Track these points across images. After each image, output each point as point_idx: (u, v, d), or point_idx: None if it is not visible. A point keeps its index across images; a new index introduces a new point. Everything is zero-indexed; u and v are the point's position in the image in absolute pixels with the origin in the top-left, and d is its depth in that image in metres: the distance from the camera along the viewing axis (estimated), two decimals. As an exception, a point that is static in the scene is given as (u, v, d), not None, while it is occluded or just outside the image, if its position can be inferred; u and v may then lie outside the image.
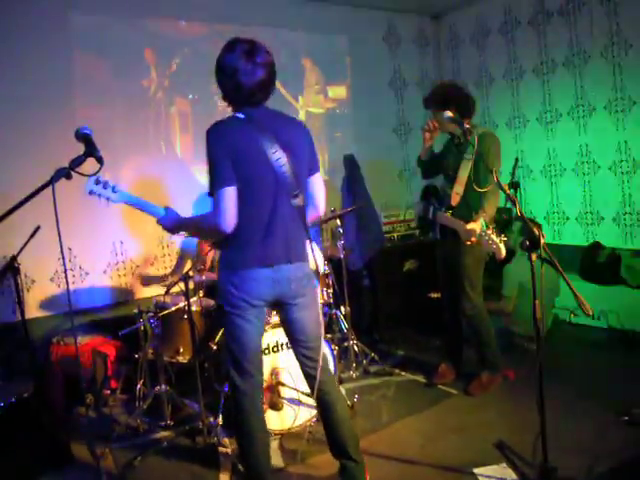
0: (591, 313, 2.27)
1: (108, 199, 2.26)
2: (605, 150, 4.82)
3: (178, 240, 4.44)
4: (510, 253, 4.37)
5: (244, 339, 2.30)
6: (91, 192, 2.23)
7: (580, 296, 2.28)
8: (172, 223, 2.32)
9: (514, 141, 5.52)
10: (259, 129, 2.18)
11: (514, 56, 5.44)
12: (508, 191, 2.50)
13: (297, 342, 2.45)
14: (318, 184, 2.41)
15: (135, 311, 3.47)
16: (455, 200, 3.40)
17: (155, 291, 4.22)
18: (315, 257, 2.40)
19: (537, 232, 2.36)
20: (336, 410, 2.49)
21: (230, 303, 2.27)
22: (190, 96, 4.69)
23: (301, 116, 5.14)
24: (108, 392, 3.75)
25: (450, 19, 6.06)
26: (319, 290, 2.48)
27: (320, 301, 2.50)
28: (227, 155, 2.13)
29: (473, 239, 3.07)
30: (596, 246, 4.77)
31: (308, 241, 2.36)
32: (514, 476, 2.61)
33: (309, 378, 2.49)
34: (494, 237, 2.90)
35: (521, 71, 5.40)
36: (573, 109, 5.01)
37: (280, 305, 2.38)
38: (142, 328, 3.40)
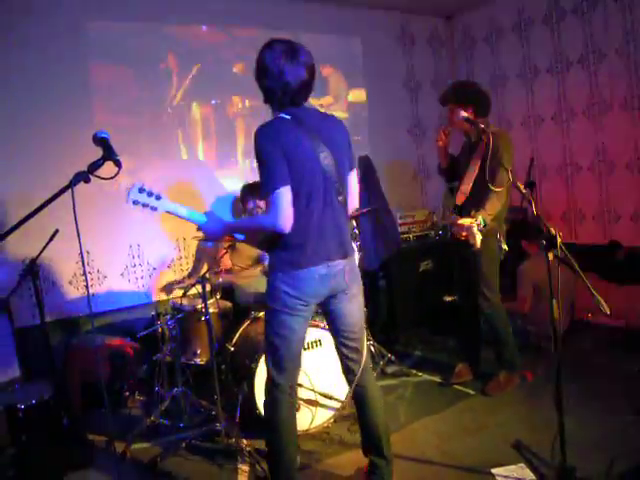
0: (609, 312, 2.26)
1: (152, 208, 2.26)
2: (622, 148, 4.79)
3: (194, 242, 4.47)
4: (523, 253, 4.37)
5: (292, 337, 2.33)
6: (135, 202, 2.23)
7: (597, 295, 2.27)
8: (216, 229, 2.33)
9: (529, 140, 5.49)
10: (305, 128, 2.21)
11: (528, 55, 5.42)
12: (524, 190, 2.50)
13: (341, 333, 2.47)
14: (354, 180, 2.46)
15: (153, 313, 3.51)
16: (460, 199, 3.40)
17: (173, 293, 4.27)
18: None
19: (554, 231, 2.35)
20: (374, 406, 2.51)
21: (282, 302, 2.28)
22: (213, 101, 4.73)
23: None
24: (127, 393, 3.79)
25: (463, 19, 6.04)
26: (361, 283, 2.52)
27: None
28: (279, 155, 2.14)
29: (464, 234, 3.08)
30: (614, 245, 4.73)
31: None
32: (532, 476, 2.60)
33: (349, 373, 2.51)
34: (476, 231, 2.98)
35: (535, 70, 5.38)
36: (589, 107, 4.98)
37: (330, 298, 2.39)
38: (160, 330, 3.44)
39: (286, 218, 2.15)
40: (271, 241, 2.29)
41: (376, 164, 4.55)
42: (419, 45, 5.92)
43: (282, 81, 2.18)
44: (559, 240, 2.33)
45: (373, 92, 5.58)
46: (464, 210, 3.38)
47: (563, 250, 2.33)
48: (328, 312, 2.46)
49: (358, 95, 5.56)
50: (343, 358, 2.51)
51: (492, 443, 2.94)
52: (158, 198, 2.28)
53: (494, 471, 2.67)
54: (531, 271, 4.08)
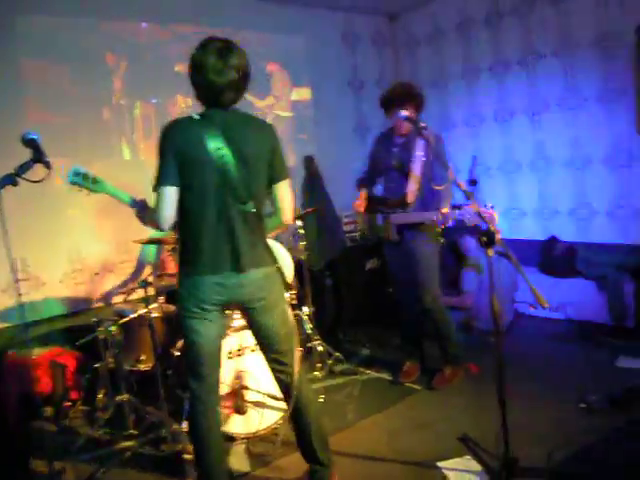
0: (547, 306, 2.32)
1: (91, 190, 2.30)
2: (559, 146, 4.95)
3: (137, 245, 4.36)
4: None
5: (199, 341, 2.28)
6: (73, 183, 2.28)
7: (535, 289, 2.34)
8: (138, 206, 2.33)
9: (472, 139, 5.62)
10: (211, 131, 2.15)
11: (469, 56, 5.54)
12: (464, 188, 2.55)
13: (263, 346, 2.44)
14: (283, 192, 2.35)
15: (94, 320, 3.40)
16: (411, 198, 3.43)
17: (115, 298, 4.15)
18: (282, 264, 2.40)
19: (493, 228, 2.40)
20: (307, 413, 2.48)
21: (183, 306, 2.26)
22: (154, 100, 4.64)
23: (268, 120, 5.13)
24: (68, 404, 3.64)
25: (406, 19, 6.13)
26: (284, 293, 2.44)
27: (287, 304, 2.47)
28: (172, 154, 2.12)
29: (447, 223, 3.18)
30: (553, 240, 4.89)
31: (272, 247, 2.35)
32: (478, 468, 2.65)
33: (280, 383, 2.48)
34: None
35: (477, 70, 5.50)
36: (527, 107, 5.13)
37: (243, 308, 2.36)
38: (101, 337, 3.33)
39: (164, 217, 2.15)
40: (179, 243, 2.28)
41: (321, 163, 4.57)
42: (363, 44, 5.96)
43: (208, 79, 2.13)
44: (498, 237, 2.38)
45: (318, 91, 5.59)
46: (414, 208, 3.43)
47: (502, 246, 2.39)
48: (249, 324, 2.44)
49: (303, 94, 5.55)
50: (272, 370, 2.48)
51: (439, 437, 2.98)
52: (94, 181, 2.29)
53: (441, 464, 2.71)
54: (474, 266, 4.17)
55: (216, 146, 2.14)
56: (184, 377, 3.19)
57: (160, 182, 2.14)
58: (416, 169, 3.41)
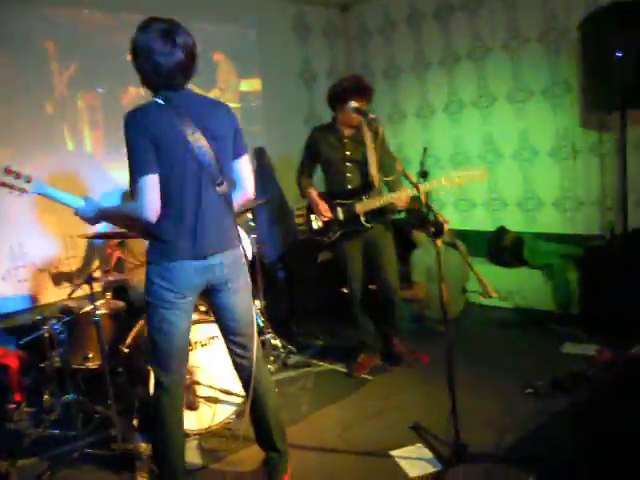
0: (494, 295, 2.36)
1: (21, 190, 2.14)
2: (507, 139, 5.06)
3: (83, 240, 4.23)
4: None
5: (172, 332, 2.23)
6: (1, 184, 2.12)
7: (483, 279, 2.38)
8: (93, 213, 2.23)
9: (423, 131, 5.68)
10: (179, 114, 2.10)
11: (420, 48, 5.59)
12: (413, 179, 2.57)
13: (228, 330, 2.41)
14: (245, 167, 2.37)
15: (38, 317, 3.29)
16: (377, 182, 3.46)
17: (60, 295, 4.01)
18: (243, 244, 2.38)
19: (441, 218, 2.43)
20: (265, 401, 2.46)
21: (157, 296, 2.20)
22: (99, 90, 4.47)
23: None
24: (12, 406, 3.51)
25: (359, 11, 6.12)
26: (249, 277, 2.44)
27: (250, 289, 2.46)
28: (146, 142, 2.05)
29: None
30: (501, 230, 5.00)
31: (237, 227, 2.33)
32: (430, 455, 2.69)
33: (240, 369, 2.45)
34: None
35: (427, 63, 5.55)
36: (477, 99, 5.22)
37: (211, 291, 2.32)
38: (46, 335, 3.22)
39: (151, 207, 2.07)
40: (148, 231, 2.20)
41: (273, 155, 4.53)
42: (314, 36, 5.93)
43: (153, 61, 2.07)
44: (446, 227, 2.41)
45: (268, 82, 5.52)
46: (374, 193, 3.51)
47: (450, 237, 2.42)
48: (212, 306, 2.41)
49: (253, 85, 5.49)
50: (231, 354, 2.46)
51: (392, 426, 3.02)
52: (28, 180, 2.15)
53: (393, 453, 2.74)
54: (423, 258, 4.22)
55: (189, 130, 2.10)
56: (133, 374, 3.17)
57: (140, 172, 2.05)
58: (372, 158, 3.45)
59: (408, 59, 5.72)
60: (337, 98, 3.50)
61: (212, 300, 2.38)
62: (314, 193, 3.63)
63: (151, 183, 2.06)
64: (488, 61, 5.08)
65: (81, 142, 4.43)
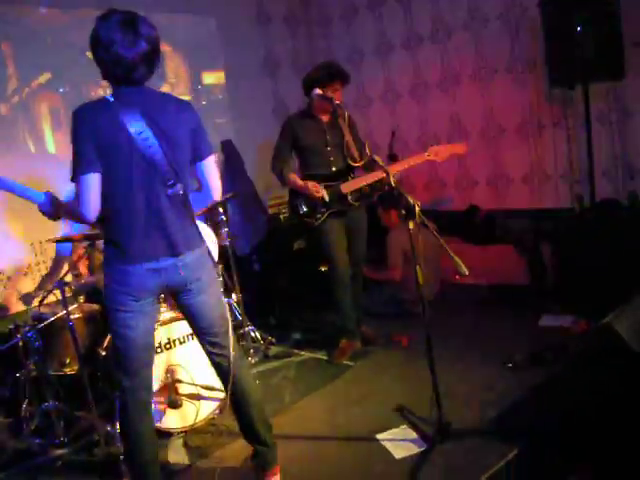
0: (467, 273, 2.39)
1: None
2: (474, 118, 5.10)
3: (52, 245, 4.14)
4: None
5: (131, 335, 2.19)
6: None
7: (456, 257, 2.40)
8: (53, 208, 2.16)
9: (389, 114, 5.68)
10: (128, 112, 2.02)
11: (383, 32, 5.58)
12: (382, 163, 2.57)
13: (200, 330, 2.37)
14: (210, 168, 2.29)
15: (10, 327, 3.22)
16: (360, 162, 3.53)
17: (31, 302, 3.93)
18: (209, 243, 2.34)
19: (412, 200, 2.44)
20: (247, 396, 2.44)
21: (114, 300, 2.16)
22: (61, 90, 4.36)
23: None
24: (-10, 418, 3.45)
25: (319, -3, 6.08)
26: (215, 273, 2.41)
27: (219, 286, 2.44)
28: (90, 139, 1.98)
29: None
30: (473, 209, 5.05)
31: (199, 227, 2.27)
32: (414, 436, 2.71)
33: (217, 367, 2.43)
34: None
35: (390, 45, 5.55)
36: (442, 80, 5.24)
37: (174, 293, 2.29)
38: (20, 344, 3.15)
39: (90, 207, 2.02)
40: (103, 234, 2.17)
41: (242, 147, 4.48)
42: (276, 24, 5.87)
43: (114, 53, 1.98)
44: (417, 209, 2.42)
45: (232, 74, 5.46)
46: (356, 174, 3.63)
47: (422, 217, 2.43)
48: (181, 309, 2.38)
49: (216, 77, 5.41)
50: (208, 354, 2.42)
51: (376, 410, 3.03)
52: None
53: (379, 436, 2.76)
54: (398, 240, 4.23)
55: (137, 128, 2.02)
56: (113, 375, 3.12)
57: (80, 170, 1.99)
58: (350, 141, 3.55)
59: (370, 43, 5.71)
60: (311, 86, 3.47)
61: (178, 302, 2.34)
62: (297, 178, 3.64)
63: (89, 183, 2.00)
64: (450, 42, 5.09)
65: (42, 144, 4.33)
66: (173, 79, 5.15)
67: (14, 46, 4.11)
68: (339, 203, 3.61)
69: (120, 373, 2.26)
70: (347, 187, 3.60)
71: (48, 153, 4.36)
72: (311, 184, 3.54)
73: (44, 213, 2.19)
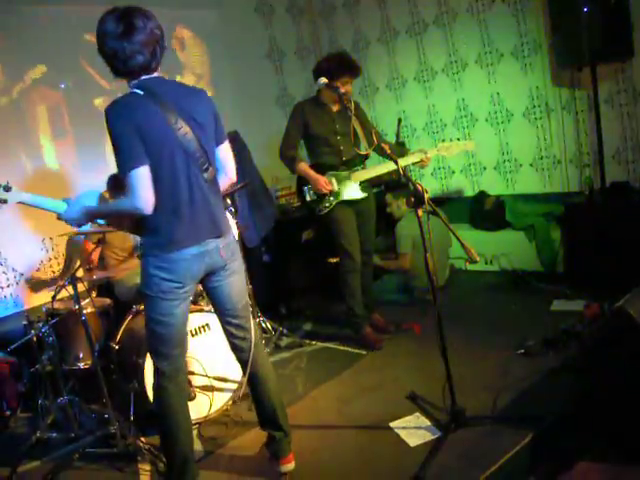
0: (478, 259, 2.38)
1: (2, 202, 2.13)
2: (481, 103, 5.05)
3: (63, 240, 4.16)
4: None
5: (173, 322, 2.24)
6: None
7: (466, 244, 2.39)
8: (78, 215, 2.20)
9: (395, 102, 5.65)
10: (160, 104, 2.08)
11: (387, 18, 5.53)
12: (389, 151, 2.55)
13: (225, 312, 2.41)
14: (227, 152, 2.38)
15: (25, 322, 3.25)
16: (369, 152, 3.54)
17: (45, 299, 3.96)
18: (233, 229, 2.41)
19: (421, 188, 2.42)
20: (267, 382, 2.48)
21: (158, 289, 2.18)
22: (62, 85, 4.10)
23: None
24: (7, 413, 3.49)
25: (321, -15, 6.03)
26: (242, 260, 2.47)
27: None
28: (133, 133, 2.01)
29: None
30: (482, 195, 5.02)
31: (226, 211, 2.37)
32: (428, 423, 2.72)
33: (238, 351, 2.46)
34: None
35: (395, 32, 5.50)
36: (447, 66, 5.19)
37: (208, 275, 2.32)
38: (35, 339, 3.19)
39: (146, 199, 2.05)
40: (140, 225, 2.18)
41: (248, 138, 4.46)
42: (278, 15, 5.83)
43: (111, 46, 2.04)
44: (426, 196, 2.41)
45: (236, 66, 5.44)
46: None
47: (431, 205, 2.42)
48: (209, 290, 2.41)
49: (221, 70, 5.39)
50: (230, 337, 2.47)
51: (388, 398, 3.04)
52: (7, 189, 2.13)
53: (392, 424, 2.76)
54: (408, 228, 4.22)
55: (172, 118, 2.09)
56: (126, 370, 3.15)
57: (131, 165, 2.02)
58: (359, 130, 3.56)
59: (375, 31, 5.66)
60: (320, 75, 3.41)
61: (209, 284, 2.38)
62: (307, 167, 3.64)
63: (143, 176, 2.03)
64: (455, 26, 5.04)
65: (40, 156, 4.03)
66: (196, 72, 5.15)
67: (2, 36, 3.77)
68: (350, 193, 3.62)
69: (160, 359, 2.29)
70: (358, 177, 3.60)
71: (47, 168, 4.11)
72: (323, 181, 3.54)
73: (67, 222, 2.22)
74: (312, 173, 3.59)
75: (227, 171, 2.40)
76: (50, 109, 4.12)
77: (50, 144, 4.15)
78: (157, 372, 2.32)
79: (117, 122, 2.03)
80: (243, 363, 2.49)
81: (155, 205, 2.09)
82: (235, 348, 2.48)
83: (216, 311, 2.49)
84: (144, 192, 2.04)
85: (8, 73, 3.95)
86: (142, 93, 2.09)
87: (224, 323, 2.46)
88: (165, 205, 2.13)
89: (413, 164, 3.58)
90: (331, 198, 3.60)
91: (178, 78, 4.93)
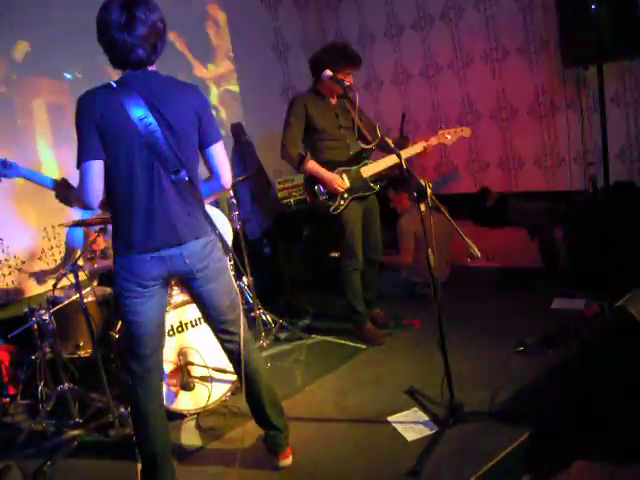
0: (479, 256, 2.37)
1: (2, 175, 2.16)
2: (485, 99, 5.03)
3: (64, 229, 4.17)
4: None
5: (139, 321, 2.21)
6: None
7: (468, 240, 2.38)
8: (64, 193, 2.20)
9: (400, 97, 5.63)
10: (130, 98, 2.01)
11: (393, 12, 5.50)
12: (392, 145, 2.55)
13: (210, 317, 2.39)
14: (218, 154, 2.24)
15: (25, 310, 3.26)
16: (374, 144, 3.50)
17: (46, 287, 3.97)
18: (222, 231, 2.32)
19: (423, 183, 2.42)
20: (256, 381, 2.46)
21: (121, 286, 2.17)
22: (67, 75, 3.82)
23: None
24: (7, 400, 3.51)
25: (327, -23, 6.00)
26: (227, 261, 2.39)
27: (229, 272, 2.42)
28: (93, 126, 1.98)
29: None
30: (484, 192, 5.01)
31: (210, 215, 2.24)
32: (426, 418, 2.72)
33: (229, 353, 2.44)
34: None
35: (400, 27, 5.48)
36: (452, 61, 5.17)
37: (182, 280, 2.30)
38: (35, 327, 3.20)
39: (92, 194, 2.04)
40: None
41: (251, 131, 4.46)
42: (284, 7, 5.80)
43: (110, 36, 1.99)
44: (429, 191, 2.40)
45: (241, 58, 5.43)
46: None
47: (434, 200, 2.41)
48: (191, 297, 2.40)
49: (226, 63, 5.37)
50: (219, 340, 2.44)
51: (387, 392, 3.04)
52: (4, 165, 2.16)
53: (390, 419, 2.76)
54: (410, 223, 4.22)
55: (139, 114, 2.01)
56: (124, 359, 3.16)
57: (83, 157, 2.00)
58: (360, 123, 3.50)
59: (380, 24, 5.63)
60: (321, 67, 3.35)
61: (190, 291, 2.36)
62: (319, 166, 3.48)
63: (93, 169, 2.01)
64: (462, 22, 5.01)
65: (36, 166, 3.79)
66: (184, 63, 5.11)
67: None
68: (362, 188, 3.56)
69: (130, 358, 2.29)
70: (367, 171, 3.55)
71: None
72: (340, 180, 3.46)
73: (59, 199, 2.22)
74: (325, 172, 3.46)
75: (217, 175, 2.26)
76: (51, 103, 3.78)
77: (48, 151, 3.84)
78: (128, 372, 2.31)
79: (80, 113, 2.00)
80: (233, 364, 2.48)
81: (114, 202, 2.09)
82: (225, 350, 2.46)
83: (201, 316, 2.48)
84: (91, 186, 2.02)
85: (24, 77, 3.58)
86: (115, 86, 2.04)
87: (211, 327, 2.43)
88: (122, 205, 2.10)
89: (417, 155, 3.54)
90: (345, 195, 3.51)
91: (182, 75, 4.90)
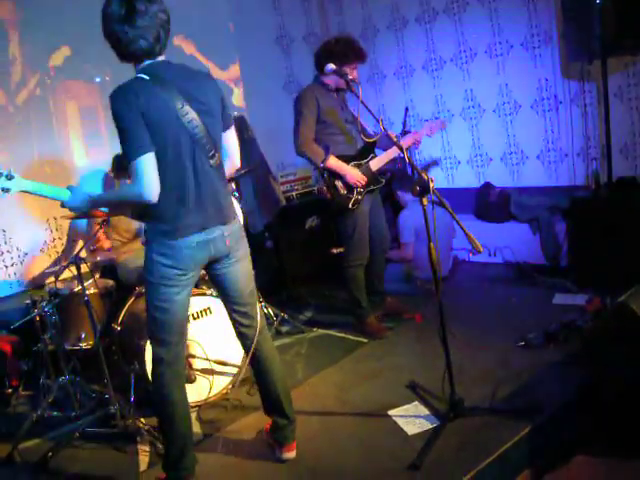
0: (482, 250, 2.37)
1: (4, 189, 2.09)
2: (489, 94, 5.01)
3: (67, 221, 4.17)
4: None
5: (173, 308, 2.23)
6: None
7: (471, 235, 2.37)
8: (81, 203, 2.18)
9: (403, 90, 5.61)
10: (166, 89, 2.06)
11: (396, 6, 5.48)
12: (395, 139, 2.54)
13: (230, 299, 2.42)
14: (232, 138, 2.38)
15: (27, 301, 3.27)
16: (377, 138, 3.54)
17: (48, 279, 3.98)
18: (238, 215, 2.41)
19: (426, 177, 2.41)
20: (272, 369, 2.49)
21: (160, 275, 2.18)
22: (97, 79, 3.83)
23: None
24: (9, 391, 3.52)
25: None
26: (248, 247, 2.46)
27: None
28: (140, 118, 2.00)
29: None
30: (487, 186, 5.00)
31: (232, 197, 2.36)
32: (427, 412, 2.73)
33: (244, 338, 2.47)
34: None
35: (404, 21, 5.45)
36: (456, 55, 5.15)
37: (213, 262, 2.32)
38: (37, 318, 3.21)
39: (151, 187, 2.03)
40: (144, 211, 2.17)
41: (254, 124, 4.45)
42: (288, 0, 5.78)
43: (114, 30, 2.02)
44: (432, 185, 2.39)
45: (245, 51, 5.40)
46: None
47: (436, 194, 2.40)
48: (214, 278, 2.41)
49: (230, 55, 5.35)
50: (235, 324, 2.47)
51: (388, 386, 3.05)
52: (9, 177, 2.09)
53: (391, 413, 2.77)
54: (411, 218, 4.21)
55: (178, 104, 2.07)
56: (127, 351, 3.17)
57: (137, 152, 2.00)
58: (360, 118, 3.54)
59: (384, 18, 5.60)
60: (324, 60, 3.33)
61: (214, 272, 2.37)
62: (339, 161, 3.45)
63: (148, 163, 2.02)
64: (466, 16, 4.99)
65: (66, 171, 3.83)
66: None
67: (19, 27, 3.53)
68: (373, 182, 3.57)
69: (159, 346, 2.30)
70: (375, 165, 3.56)
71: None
72: (361, 175, 3.47)
73: (71, 210, 2.22)
74: (348, 168, 3.45)
75: (231, 157, 2.40)
76: (83, 107, 3.80)
77: (80, 150, 3.91)
78: (155, 359, 2.32)
79: (122, 108, 2.01)
80: (247, 349, 2.49)
81: (160, 192, 2.08)
82: (240, 335, 2.49)
83: (221, 298, 2.49)
84: (149, 180, 2.02)
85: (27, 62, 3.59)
86: (147, 78, 2.06)
87: (229, 310, 2.46)
88: (170, 192, 2.11)
89: (407, 148, 3.54)
90: (361, 190, 3.51)
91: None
